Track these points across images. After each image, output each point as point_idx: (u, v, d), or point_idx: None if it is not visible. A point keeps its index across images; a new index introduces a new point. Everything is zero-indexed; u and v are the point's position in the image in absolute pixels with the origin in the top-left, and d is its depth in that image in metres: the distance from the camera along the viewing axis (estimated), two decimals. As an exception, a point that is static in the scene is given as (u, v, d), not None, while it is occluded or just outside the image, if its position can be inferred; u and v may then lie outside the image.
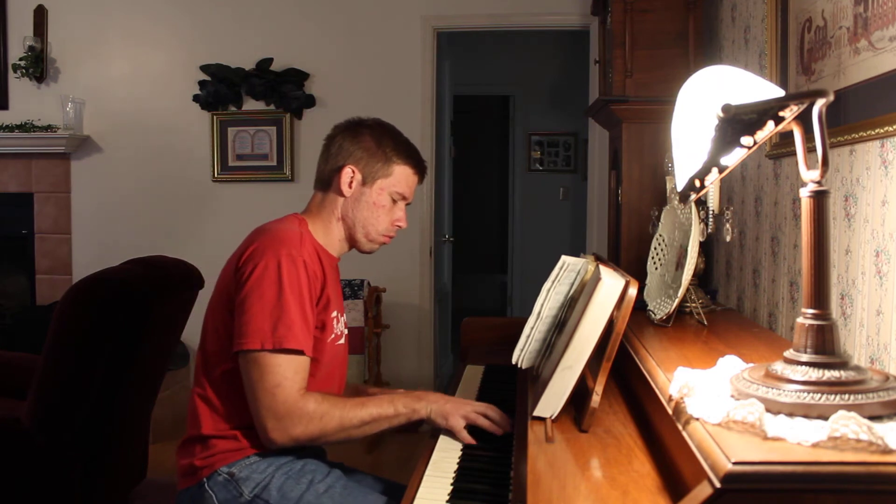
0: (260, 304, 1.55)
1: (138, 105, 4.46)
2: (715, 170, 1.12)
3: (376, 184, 1.74)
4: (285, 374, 1.53)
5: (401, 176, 1.76)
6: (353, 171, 1.73)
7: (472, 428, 1.60)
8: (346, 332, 1.82)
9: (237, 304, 1.58)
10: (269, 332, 1.53)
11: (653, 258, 2.07)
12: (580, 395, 1.41)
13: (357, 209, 1.75)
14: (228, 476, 1.61)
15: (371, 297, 4.03)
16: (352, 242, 1.80)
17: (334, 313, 1.72)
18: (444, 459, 1.51)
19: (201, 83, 4.39)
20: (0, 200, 4.56)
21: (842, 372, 0.98)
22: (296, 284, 1.57)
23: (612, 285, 1.37)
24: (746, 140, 1.07)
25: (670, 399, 1.15)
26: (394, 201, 1.77)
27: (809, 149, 1.04)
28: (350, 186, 1.73)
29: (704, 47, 2.67)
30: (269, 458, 1.62)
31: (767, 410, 0.96)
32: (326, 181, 1.77)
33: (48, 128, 4.40)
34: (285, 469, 1.62)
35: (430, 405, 1.62)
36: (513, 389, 1.84)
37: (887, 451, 0.86)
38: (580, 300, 1.52)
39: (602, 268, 1.47)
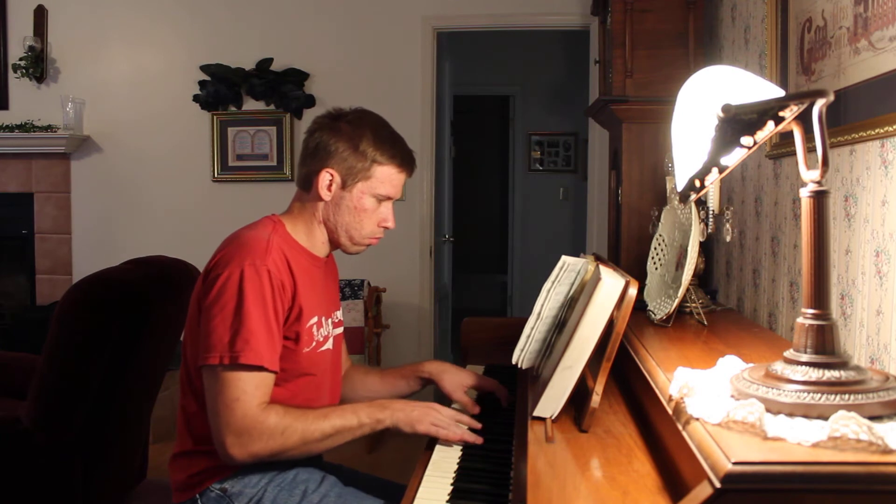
0: (220, 316, 1.48)
1: (138, 105, 4.47)
2: (715, 170, 1.12)
3: (356, 187, 1.63)
4: (245, 388, 1.46)
5: (383, 177, 1.64)
6: (332, 175, 1.62)
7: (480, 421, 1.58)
8: (333, 334, 1.73)
9: (202, 315, 1.53)
10: (228, 345, 1.46)
11: (653, 258, 2.07)
12: (580, 395, 1.41)
13: (338, 214, 1.65)
14: (221, 492, 1.59)
15: (371, 297, 4.03)
16: (335, 245, 1.72)
17: (313, 320, 1.63)
18: (444, 459, 1.51)
19: (201, 83, 4.40)
20: (0, 200, 4.57)
21: (842, 372, 0.98)
22: (258, 296, 1.49)
23: (612, 285, 1.36)
24: (746, 140, 1.07)
25: (670, 399, 1.14)
26: (378, 201, 1.66)
27: (809, 149, 1.04)
28: (329, 190, 1.63)
29: (704, 47, 2.67)
30: (260, 471, 1.59)
31: (767, 410, 0.96)
32: (306, 182, 1.67)
33: (48, 128, 4.40)
34: (277, 481, 1.60)
35: (394, 413, 1.55)
36: (513, 389, 1.84)
37: (887, 451, 0.86)
38: (580, 300, 1.52)
39: (602, 268, 1.47)
